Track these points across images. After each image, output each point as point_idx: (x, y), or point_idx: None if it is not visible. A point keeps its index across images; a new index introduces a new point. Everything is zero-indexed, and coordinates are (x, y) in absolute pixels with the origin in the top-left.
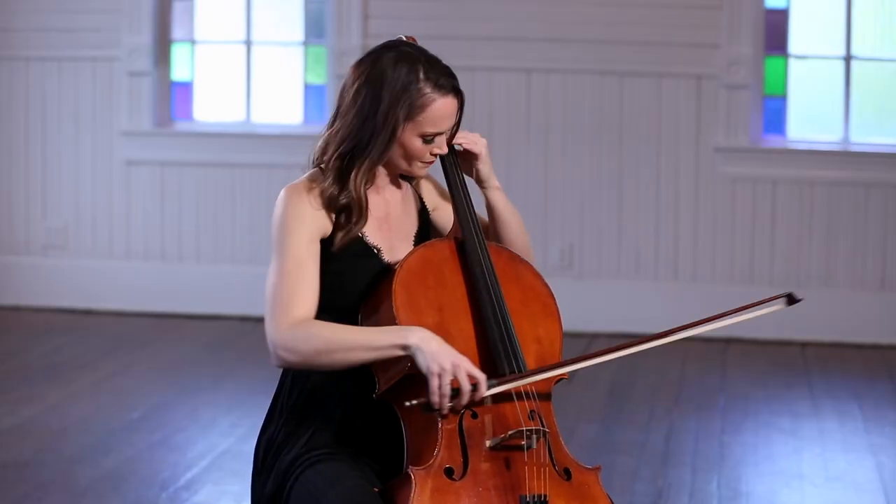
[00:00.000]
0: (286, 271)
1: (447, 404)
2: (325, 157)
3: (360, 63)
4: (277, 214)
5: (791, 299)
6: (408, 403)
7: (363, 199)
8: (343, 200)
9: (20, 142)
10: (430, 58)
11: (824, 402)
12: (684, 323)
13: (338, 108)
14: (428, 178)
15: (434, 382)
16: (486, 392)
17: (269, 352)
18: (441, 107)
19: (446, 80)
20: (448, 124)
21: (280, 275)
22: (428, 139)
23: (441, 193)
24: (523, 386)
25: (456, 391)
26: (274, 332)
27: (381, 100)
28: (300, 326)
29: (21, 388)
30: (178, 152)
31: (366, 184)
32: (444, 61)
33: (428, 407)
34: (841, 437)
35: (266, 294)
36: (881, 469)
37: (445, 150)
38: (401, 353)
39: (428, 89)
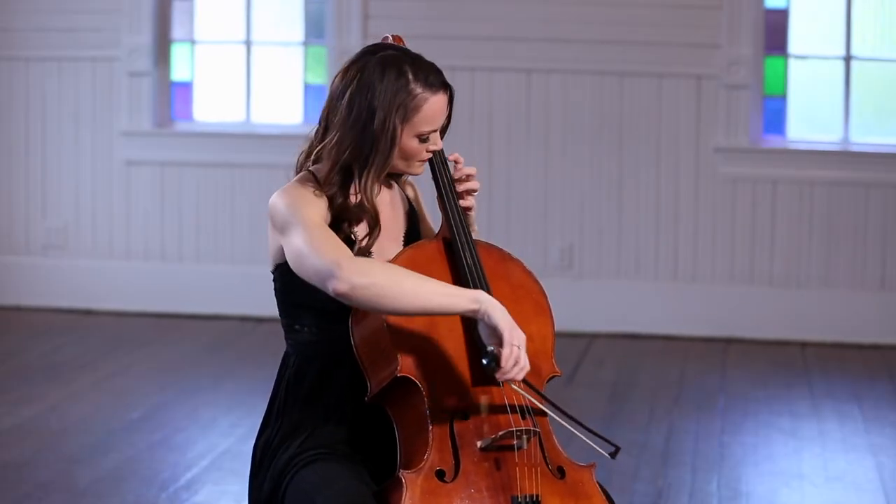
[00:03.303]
0: (315, 224)
1: (510, 367)
2: (323, 173)
3: (345, 71)
4: (283, 204)
5: (614, 454)
6: (490, 348)
7: (376, 208)
8: (351, 207)
9: (20, 142)
10: (414, 57)
11: (824, 402)
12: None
13: (326, 116)
14: (411, 183)
15: (507, 336)
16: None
17: (329, 277)
18: (434, 104)
19: (435, 78)
20: (441, 120)
21: (312, 227)
22: (424, 138)
23: (418, 203)
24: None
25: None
26: (337, 257)
27: (375, 108)
28: (365, 258)
29: (21, 388)
30: (178, 152)
31: (376, 194)
32: (445, 61)
33: (495, 359)
34: (841, 437)
35: (303, 247)
36: (881, 469)
37: (440, 145)
38: (473, 305)
39: (419, 89)
